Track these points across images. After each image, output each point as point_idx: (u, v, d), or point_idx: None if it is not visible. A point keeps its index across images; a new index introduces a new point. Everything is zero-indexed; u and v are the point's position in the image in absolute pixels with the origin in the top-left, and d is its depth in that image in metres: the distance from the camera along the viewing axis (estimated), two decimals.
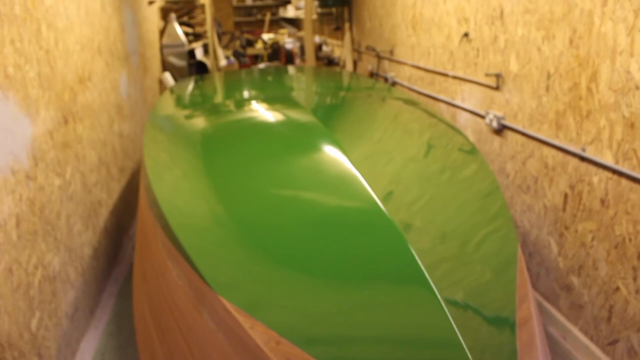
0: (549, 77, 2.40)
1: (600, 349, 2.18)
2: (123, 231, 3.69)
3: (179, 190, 1.77)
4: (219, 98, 3.11)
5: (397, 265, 1.28)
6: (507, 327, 1.19)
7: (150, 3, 5.74)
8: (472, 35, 3.12)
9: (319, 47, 7.14)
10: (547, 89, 2.41)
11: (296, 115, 2.30)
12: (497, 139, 2.92)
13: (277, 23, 10.31)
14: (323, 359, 1.10)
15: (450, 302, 1.18)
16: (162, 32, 6.53)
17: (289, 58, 7.65)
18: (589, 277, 2.22)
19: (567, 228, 2.35)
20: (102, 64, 3.46)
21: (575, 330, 2.32)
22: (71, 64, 2.76)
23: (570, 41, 2.23)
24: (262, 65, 6.66)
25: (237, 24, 11.06)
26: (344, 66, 6.23)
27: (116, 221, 3.50)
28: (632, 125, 1.93)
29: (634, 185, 1.95)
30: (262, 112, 2.46)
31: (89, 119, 3.03)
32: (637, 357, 1.98)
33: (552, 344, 2.41)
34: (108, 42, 3.68)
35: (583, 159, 2.21)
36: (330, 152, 1.76)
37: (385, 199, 1.49)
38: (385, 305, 1.21)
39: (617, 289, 2.06)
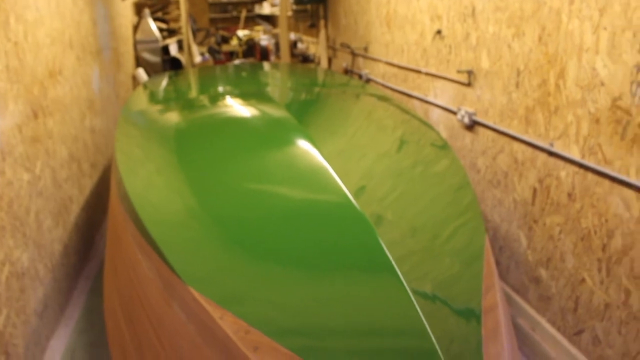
0: (518, 73, 2.44)
1: (567, 339, 2.23)
2: (95, 228, 3.65)
3: (149, 184, 1.76)
4: (192, 93, 3.10)
5: (366, 256, 1.30)
6: (473, 316, 1.21)
7: None
8: (444, 32, 3.15)
9: (294, 44, 7.14)
10: (517, 85, 2.46)
11: (269, 110, 2.31)
12: (468, 135, 2.96)
13: (253, 20, 10.27)
14: (291, 347, 1.11)
15: (418, 293, 1.19)
16: (135, 28, 6.46)
17: (264, 55, 7.63)
18: (557, 270, 2.27)
19: (535, 222, 2.40)
20: (73, 58, 3.41)
21: (543, 322, 2.37)
22: (41, 57, 2.71)
23: (539, 38, 2.27)
24: (237, 62, 6.64)
25: (213, 21, 10.99)
26: (318, 63, 6.24)
27: (88, 217, 3.45)
28: (597, 121, 1.98)
29: (599, 179, 2.00)
30: (235, 107, 2.45)
31: (59, 113, 2.98)
32: (601, 345, 2.03)
33: (522, 336, 2.45)
34: (79, 36, 3.63)
35: (551, 153, 2.26)
36: (303, 146, 1.77)
37: (356, 192, 1.50)
38: (354, 296, 1.22)
39: (583, 280, 2.11)
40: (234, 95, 2.74)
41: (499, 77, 2.61)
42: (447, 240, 1.48)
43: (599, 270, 2.03)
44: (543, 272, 2.37)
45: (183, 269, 1.34)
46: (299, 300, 1.23)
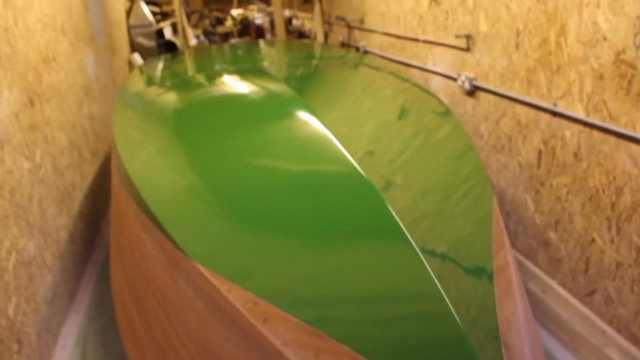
0: (518, 34, 2.39)
1: (578, 300, 2.22)
2: (99, 215, 3.64)
3: (149, 163, 1.74)
4: (189, 73, 3.06)
5: (375, 223, 1.28)
6: (486, 276, 1.19)
7: None
8: None
9: (289, 21, 7.04)
10: (517, 46, 2.41)
11: (267, 85, 2.27)
12: (470, 101, 2.92)
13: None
14: (301, 316, 1.09)
15: (430, 256, 1.17)
16: (128, 13, 6.38)
17: (259, 33, 7.54)
18: (566, 231, 2.25)
19: (542, 184, 2.37)
20: (67, 44, 3.37)
21: (554, 285, 2.36)
22: (33, 43, 2.67)
23: None
24: (232, 42, 6.57)
25: (206, 2, 10.85)
26: (314, 38, 6.16)
27: (92, 205, 3.44)
28: (601, 77, 1.94)
29: (605, 137, 1.96)
30: (232, 84, 2.42)
31: (56, 100, 2.95)
32: (613, 304, 2.02)
33: (533, 300, 2.44)
34: (71, 21, 3.57)
35: (555, 114, 2.22)
36: (304, 118, 1.74)
37: (361, 160, 1.48)
38: (364, 263, 1.20)
39: (593, 240, 2.09)
40: (230, 72, 2.70)
41: (498, 40, 2.56)
42: (455, 204, 1.46)
43: (609, 229, 2.00)
44: (552, 235, 2.35)
45: (187, 245, 1.33)
46: (307, 270, 1.21)
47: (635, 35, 1.77)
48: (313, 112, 1.73)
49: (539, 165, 2.37)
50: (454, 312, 1.03)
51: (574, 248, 2.21)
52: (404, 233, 1.21)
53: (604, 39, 1.91)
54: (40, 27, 2.83)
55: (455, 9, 2.93)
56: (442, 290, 1.08)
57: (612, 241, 1.99)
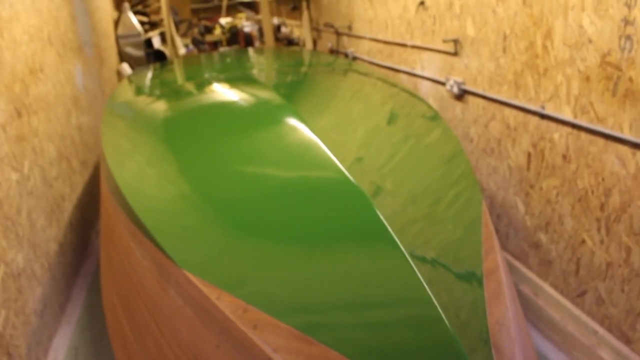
0: (505, 38, 2.41)
1: (570, 301, 2.22)
2: (90, 225, 3.62)
3: (137, 172, 1.73)
4: (177, 82, 3.06)
5: (364, 228, 1.27)
6: (475, 279, 1.19)
7: None
8: (428, 3, 3.11)
9: (277, 29, 7.06)
10: (504, 50, 2.43)
11: (256, 92, 2.27)
12: (458, 105, 2.93)
13: (235, 8, 10.15)
14: (291, 322, 1.08)
15: (419, 261, 1.17)
16: (116, 23, 6.37)
17: (248, 41, 7.55)
18: (556, 233, 2.26)
19: (532, 186, 2.38)
20: (54, 55, 3.36)
21: (545, 286, 2.36)
22: (19, 54, 2.66)
23: (524, 0, 2.24)
24: (221, 50, 6.57)
25: (195, 11, 10.87)
26: (303, 45, 6.18)
27: (82, 215, 3.42)
28: (587, 79, 1.96)
29: (593, 138, 1.98)
30: (221, 92, 2.41)
31: (44, 111, 2.94)
32: (604, 305, 2.02)
33: (525, 302, 2.45)
34: (58, 32, 3.56)
35: (543, 116, 2.23)
36: (292, 125, 1.73)
37: (350, 166, 1.48)
38: (353, 269, 1.20)
39: (583, 241, 2.10)
40: (219, 81, 2.70)
41: (485, 44, 2.57)
42: (444, 208, 1.46)
43: (599, 230, 2.01)
44: (542, 237, 2.36)
45: (176, 253, 1.32)
46: (297, 277, 1.21)
47: (620, 37, 1.79)
48: (302, 119, 1.73)
49: (528, 168, 2.38)
50: (443, 316, 1.02)
51: (564, 249, 2.22)
52: (393, 238, 1.21)
53: (590, 41, 1.92)
54: (27, 38, 2.82)
55: (443, 14, 2.95)
56: (431, 295, 1.08)
57: (602, 242, 2.00)
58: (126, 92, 2.96)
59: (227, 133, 1.84)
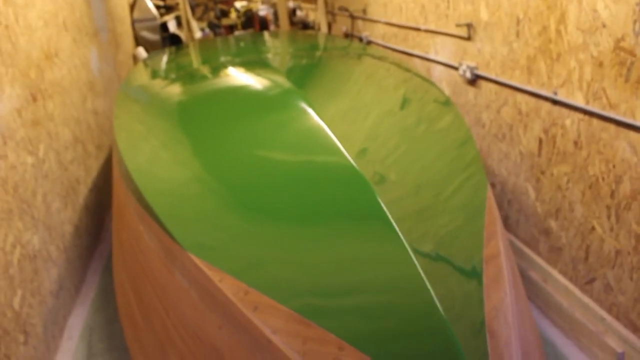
0: (518, 22, 2.38)
1: (579, 288, 2.22)
2: (104, 209, 3.67)
3: (147, 155, 1.76)
4: (189, 66, 3.07)
5: (365, 215, 1.28)
6: (474, 265, 1.20)
7: None
8: None
9: (292, 12, 7.03)
10: (517, 34, 2.40)
11: (267, 77, 2.27)
12: (471, 90, 2.91)
13: None
14: (290, 305, 1.10)
15: (418, 248, 1.18)
16: (132, 7, 6.40)
17: (263, 25, 7.53)
18: (566, 220, 2.25)
19: (543, 173, 2.36)
20: (69, 40, 3.39)
21: (555, 273, 2.35)
22: (35, 40, 2.69)
23: None
24: (236, 34, 6.56)
25: None
26: (318, 29, 6.15)
27: (97, 198, 3.47)
28: (600, 64, 1.93)
29: (605, 125, 1.95)
30: (232, 77, 2.43)
31: (59, 96, 2.98)
32: (613, 292, 2.02)
33: (534, 288, 2.44)
34: (74, 17, 3.59)
35: (555, 102, 2.21)
36: (301, 111, 1.74)
37: (355, 153, 1.48)
38: (353, 255, 1.22)
39: (593, 228, 2.09)
40: (231, 65, 2.71)
41: (498, 28, 2.54)
42: (448, 195, 1.46)
43: (608, 217, 2.00)
44: (552, 223, 2.35)
45: (182, 236, 1.34)
46: (296, 260, 1.23)
47: (635, 22, 1.76)
48: (311, 105, 1.74)
49: (539, 154, 2.37)
50: (437, 302, 1.03)
51: (574, 236, 2.21)
52: (392, 225, 1.22)
53: (604, 26, 1.89)
54: (42, 24, 2.85)
55: None
56: (426, 282, 1.08)
57: (611, 229, 1.99)
58: (139, 76, 2.98)
59: (236, 119, 1.85)
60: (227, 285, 1.17)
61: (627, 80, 1.82)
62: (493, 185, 2.81)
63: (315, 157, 1.49)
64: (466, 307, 1.06)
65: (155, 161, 1.71)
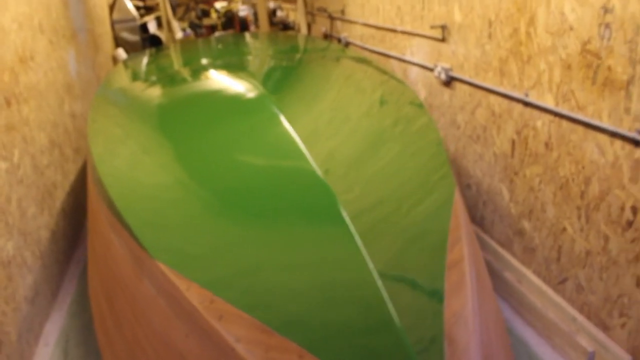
0: (490, 24, 2.40)
1: (552, 288, 2.25)
2: (83, 212, 3.64)
3: (117, 161, 1.75)
4: (165, 70, 3.06)
5: (326, 223, 1.30)
6: (435, 272, 1.21)
7: None
8: None
9: (273, 13, 7.02)
10: (490, 36, 2.42)
11: (242, 83, 2.27)
12: (446, 91, 2.93)
13: None
14: (253, 314, 1.11)
15: (377, 257, 1.19)
16: (112, 8, 6.35)
17: (243, 26, 7.51)
18: (539, 220, 2.28)
19: (516, 174, 2.39)
20: (46, 43, 3.36)
21: (529, 273, 2.39)
22: (8, 43, 2.67)
23: None
24: (216, 35, 6.54)
25: None
26: (299, 30, 6.15)
27: (74, 202, 3.45)
28: (569, 67, 1.96)
29: (574, 126, 1.98)
30: (208, 82, 2.42)
31: (35, 100, 2.95)
32: (584, 292, 2.05)
33: (508, 289, 2.47)
34: (50, 19, 3.56)
35: (526, 104, 2.24)
36: (272, 118, 1.75)
37: (322, 160, 1.49)
38: (314, 264, 1.24)
39: (564, 229, 2.12)
40: (206, 69, 2.70)
41: (471, 30, 2.57)
42: (413, 202, 1.47)
43: (579, 218, 2.03)
44: (526, 224, 2.38)
45: (150, 244, 1.34)
46: (260, 269, 1.24)
47: (600, 25, 1.79)
48: (282, 111, 1.74)
49: (512, 155, 2.39)
50: (393, 313, 1.05)
51: (546, 237, 2.24)
52: (352, 235, 1.23)
53: (571, 29, 1.92)
54: (16, 27, 2.82)
55: None
56: (383, 292, 1.10)
57: (581, 230, 2.02)
58: (115, 79, 2.97)
59: (208, 125, 1.86)
60: (194, 294, 1.17)
61: (594, 83, 1.85)
62: (469, 187, 2.84)
63: (282, 165, 1.50)
64: (424, 315, 1.08)
65: (126, 167, 1.71)
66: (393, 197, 1.45)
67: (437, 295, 1.14)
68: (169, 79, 2.61)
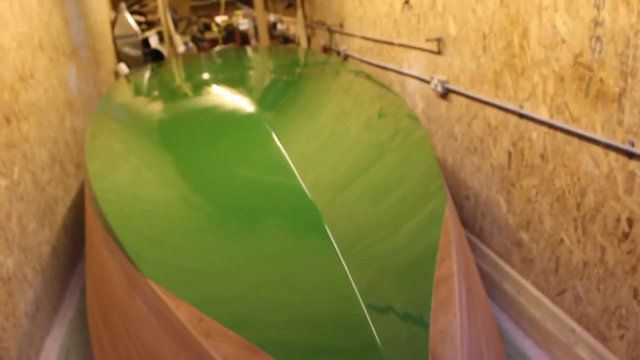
0: (484, 37, 2.42)
1: (550, 300, 2.24)
2: (84, 227, 3.66)
3: (112, 178, 1.77)
4: (163, 87, 3.08)
5: (313, 245, 1.31)
6: (422, 290, 1.21)
7: None
8: (412, 1, 3.12)
9: (273, 26, 7.07)
10: (484, 49, 2.44)
11: (234, 99, 2.28)
12: (443, 103, 2.94)
13: (233, 4, 10.16)
14: (240, 332, 1.12)
15: (362, 277, 1.19)
16: (113, 24, 6.41)
17: (244, 39, 7.56)
18: (536, 232, 2.28)
19: (513, 185, 2.39)
20: (46, 60, 3.40)
21: (527, 285, 2.38)
22: (8, 62, 2.70)
23: (501, 0, 2.25)
24: (217, 49, 6.59)
25: (194, 9, 10.88)
26: (299, 43, 6.19)
27: (76, 217, 3.47)
28: (562, 79, 1.97)
29: (568, 138, 1.99)
30: (204, 99, 2.45)
31: (35, 117, 2.98)
32: (582, 303, 2.04)
33: (507, 300, 2.47)
34: (50, 37, 3.60)
35: (522, 116, 2.24)
36: (264, 136, 1.76)
37: (311, 178, 1.50)
38: (300, 284, 1.24)
39: (562, 240, 2.12)
40: (204, 86, 2.72)
41: (466, 43, 2.58)
42: (402, 220, 1.48)
43: (575, 229, 2.03)
44: (524, 235, 2.38)
45: (142, 262, 1.36)
46: (248, 288, 1.25)
47: (591, 38, 1.80)
48: (274, 129, 1.76)
49: (509, 167, 2.40)
50: (375, 335, 1.05)
51: (544, 248, 2.24)
52: (337, 255, 1.24)
53: (563, 42, 1.93)
54: (16, 45, 2.86)
55: (426, 12, 2.96)
56: (365, 312, 1.10)
57: (578, 241, 2.02)
58: (113, 95, 3.00)
59: (201, 143, 1.87)
60: (183, 312, 1.18)
61: (586, 95, 1.86)
62: (467, 198, 2.84)
63: (272, 183, 1.52)
64: (408, 334, 1.08)
65: (119, 184, 1.73)
66: (382, 215, 1.46)
67: (422, 313, 1.14)
68: (166, 95, 2.63)
